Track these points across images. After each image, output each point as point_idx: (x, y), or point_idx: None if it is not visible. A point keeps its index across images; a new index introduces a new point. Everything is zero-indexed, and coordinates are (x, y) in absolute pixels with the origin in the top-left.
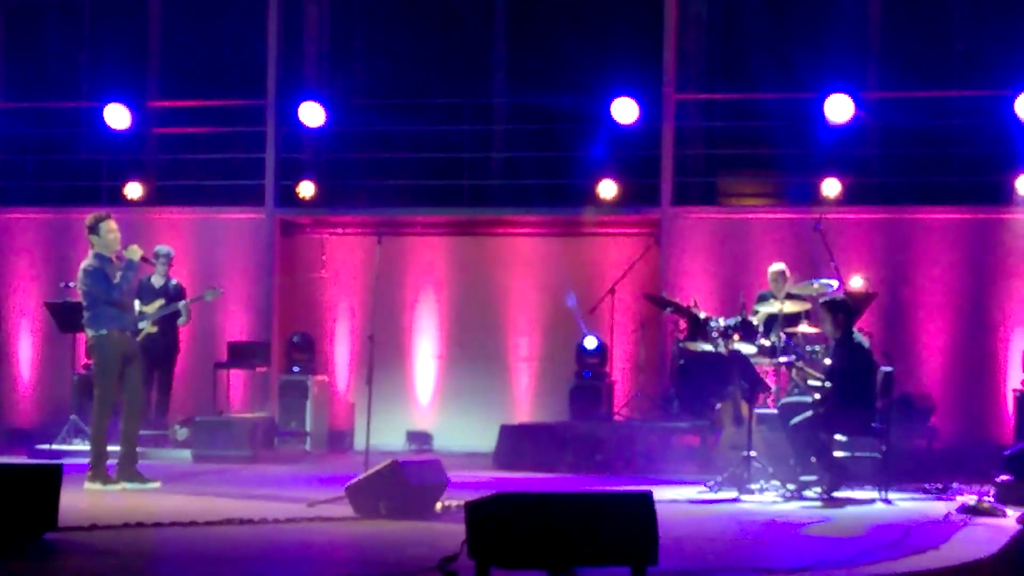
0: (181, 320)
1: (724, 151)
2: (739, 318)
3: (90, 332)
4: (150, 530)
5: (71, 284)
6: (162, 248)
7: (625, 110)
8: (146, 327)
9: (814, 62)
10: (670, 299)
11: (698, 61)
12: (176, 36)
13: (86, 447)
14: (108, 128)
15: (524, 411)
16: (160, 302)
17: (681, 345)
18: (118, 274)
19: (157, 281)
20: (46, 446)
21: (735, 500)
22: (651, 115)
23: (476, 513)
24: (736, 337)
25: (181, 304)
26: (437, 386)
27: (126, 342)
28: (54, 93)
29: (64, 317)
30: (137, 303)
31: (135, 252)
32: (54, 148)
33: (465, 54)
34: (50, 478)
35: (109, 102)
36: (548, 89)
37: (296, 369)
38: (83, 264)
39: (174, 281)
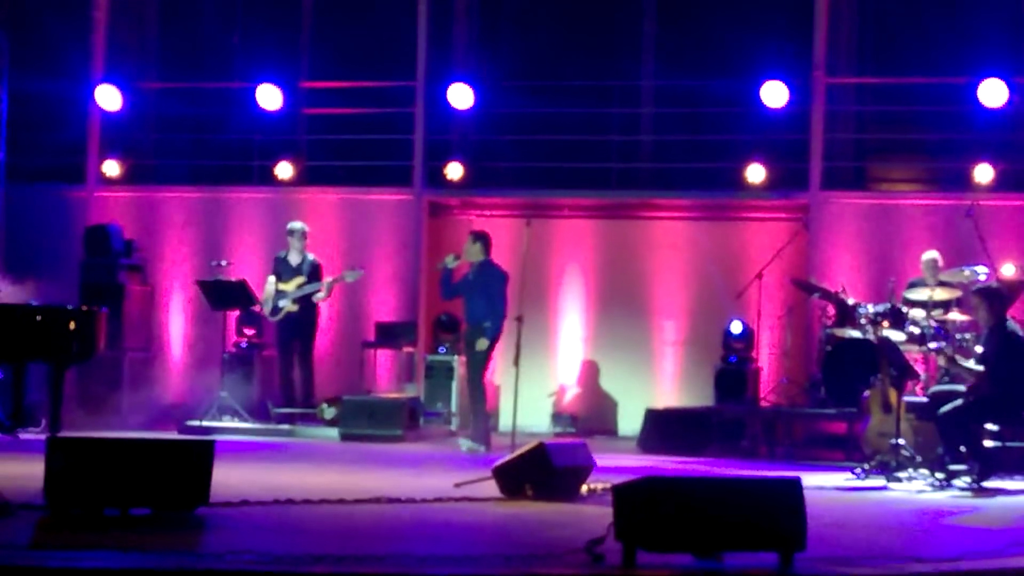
0: (319, 296)
1: (874, 136)
2: (888, 305)
3: None
4: (300, 507)
5: (223, 263)
6: (296, 224)
7: (775, 93)
8: (286, 306)
9: (968, 46)
10: (818, 285)
11: (849, 44)
12: (328, 18)
13: (235, 424)
14: (260, 108)
15: (669, 395)
16: (299, 280)
17: (829, 331)
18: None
19: (294, 259)
20: (196, 422)
21: (883, 488)
22: (801, 99)
23: (624, 496)
24: (885, 324)
25: (324, 283)
26: (583, 369)
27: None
28: (207, 73)
29: (216, 295)
30: (273, 280)
31: (450, 260)
32: (207, 128)
33: (614, 36)
34: (204, 454)
35: (261, 82)
36: (697, 72)
37: (442, 349)
38: None
39: (311, 257)
